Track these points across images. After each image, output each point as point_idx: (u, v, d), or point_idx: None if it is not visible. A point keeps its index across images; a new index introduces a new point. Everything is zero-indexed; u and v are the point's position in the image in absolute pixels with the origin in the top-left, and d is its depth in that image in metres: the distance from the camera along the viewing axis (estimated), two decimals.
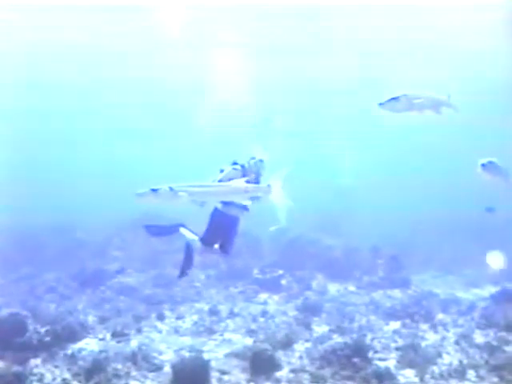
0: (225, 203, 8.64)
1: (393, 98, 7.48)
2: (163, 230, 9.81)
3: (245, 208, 8.99)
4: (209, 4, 23.05)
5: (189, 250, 9.54)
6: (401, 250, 19.20)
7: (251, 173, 8.98)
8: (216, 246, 9.11)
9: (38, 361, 10.62)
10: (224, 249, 9.20)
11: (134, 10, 23.49)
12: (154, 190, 7.32)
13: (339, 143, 33.71)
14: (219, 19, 23.99)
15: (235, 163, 9.04)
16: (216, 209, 8.82)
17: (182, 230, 9.58)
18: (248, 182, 8.37)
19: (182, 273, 9.79)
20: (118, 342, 11.94)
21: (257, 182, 9.08)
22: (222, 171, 8.85)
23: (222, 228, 9.09)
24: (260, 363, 10.22)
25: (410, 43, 26.16)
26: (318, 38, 26.58)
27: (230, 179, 8.51)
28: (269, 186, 8.12)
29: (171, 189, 7.37)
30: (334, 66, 28.85)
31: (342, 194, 29.37)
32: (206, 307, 14.55)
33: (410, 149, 36.84)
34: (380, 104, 7.50)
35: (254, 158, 9.14)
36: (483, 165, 9.26)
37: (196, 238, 9.25)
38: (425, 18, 24.22)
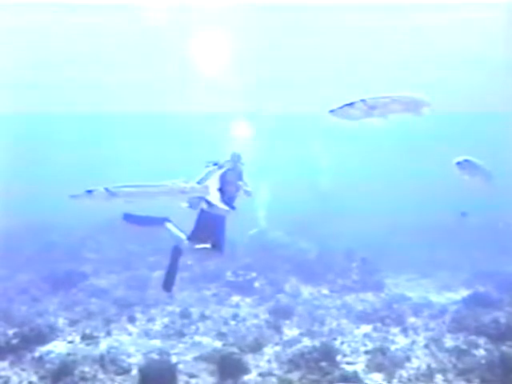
0: (209, 203, 8.64)
1: (346, 104, 7.01)
2: (144, 220, 9.73)
3: (231, 207, 9.02)
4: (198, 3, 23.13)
5: (176, 253, 9.51)
6: (376, 253, 19.20)
7: (230, 171, 9.01)
8: (207, 245, 9.08)
9: (4, 363, 10.55)
10: (217, 247, 9.18)
11: (129, 9, 23.52)
12: (89, 192, 7.29)
13: (319, 144, 33.83)
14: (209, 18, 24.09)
15: (215, 164, 9.04)
16: (202, 209, 8.81)
17: (169, 225, 9.53)
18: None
19: (167, 282, 9.73)
20: (87, 344, 11.83)
21: (239, 178, 9.14)
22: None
23: (209, 227, 9.09)
24: (228, 367, 10.20)
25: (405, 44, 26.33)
26: (308, 36, 26.66)
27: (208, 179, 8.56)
28: (206, 186, 8.12)
29: (107, 189, 7.33)
30: (323, 64, 28.96)
31: (321, 195, 29.36)
32: (178, 310, 14.42)
33: (388, 150, 37.03)
34: (331, 111, 7.05)
35: (235, 157, 9.20)
36: (459, 163, 9.01)
37: (183, 236, 9.23)
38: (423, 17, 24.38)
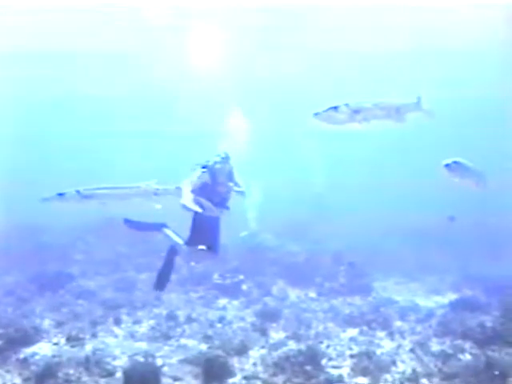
0: (202, 206, 8.64)
1: (331, 108, 7.03)
2: (143, 226, 9.80)
3: (225, 207, 9.03)
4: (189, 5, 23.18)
5: (172, 253, 9.49)
6: (366, 256, 19.14)
7: (219, 172, 9.00)
8: (202, 247, 9.07)
9: None
10: (213, 249, 9.18)
11: (124, 10, 23.51)
12: (60, 195, 7.32)
13: (312, 143, 33.80)
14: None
15: (204, 166, 9.03)
16: (196, 212, 8.78)
17: (167, 230, 9.54)
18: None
19: (159, 283, 9.73)
20: (72, 346, 11.76)
21: (230, 179, 9.13)
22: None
23: (205, 230, 9.15)
24: (213, 370, 10.13)
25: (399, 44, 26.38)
26: (306, 36, 26.70)
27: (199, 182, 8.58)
28: (178, 188, 8.13)
29: (78, 192, 7.34)
30: (317, 64, 28.99)
31: (313, 196, 29.30)
32: (165, 312, 14.34)
33: (381, 152, 37.05)
34: (315, 114, 7.09)
35: (224, 157, 9.19)
36: (447, 165, 8.69)
37: (181, 241, 9.24)
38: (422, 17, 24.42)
